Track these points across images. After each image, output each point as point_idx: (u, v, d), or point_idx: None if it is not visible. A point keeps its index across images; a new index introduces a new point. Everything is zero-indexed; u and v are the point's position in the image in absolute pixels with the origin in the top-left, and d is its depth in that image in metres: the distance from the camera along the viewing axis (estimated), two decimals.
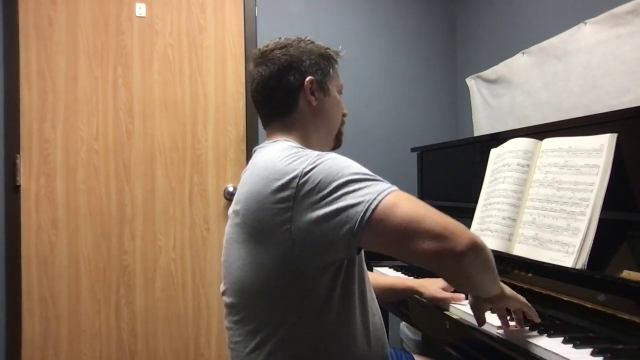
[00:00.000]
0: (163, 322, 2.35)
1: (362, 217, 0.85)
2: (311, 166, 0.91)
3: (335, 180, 0.88)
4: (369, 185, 0.88)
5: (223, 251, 1.10)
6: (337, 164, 0.91)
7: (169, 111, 2.38)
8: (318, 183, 0.89)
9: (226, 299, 1.07)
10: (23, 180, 2.21)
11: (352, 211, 0.86)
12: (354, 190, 0.87)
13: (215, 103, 2.43)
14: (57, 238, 2.24)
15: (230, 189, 2.40)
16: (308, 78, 1.10)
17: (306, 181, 0.90)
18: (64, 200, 2.25)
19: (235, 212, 1.03)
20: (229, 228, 1.08)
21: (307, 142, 1.11)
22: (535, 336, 1.01)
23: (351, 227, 0.86)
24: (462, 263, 0.85)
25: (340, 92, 1.19)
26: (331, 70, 1.15)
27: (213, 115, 2.43)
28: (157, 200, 2.35)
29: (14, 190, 2.19)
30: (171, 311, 2.36)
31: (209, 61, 2.43)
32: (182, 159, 2.39)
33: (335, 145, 1.22)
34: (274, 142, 1.08)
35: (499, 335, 1.08)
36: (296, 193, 0.90)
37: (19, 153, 2.20)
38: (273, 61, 1.10)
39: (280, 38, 1.15)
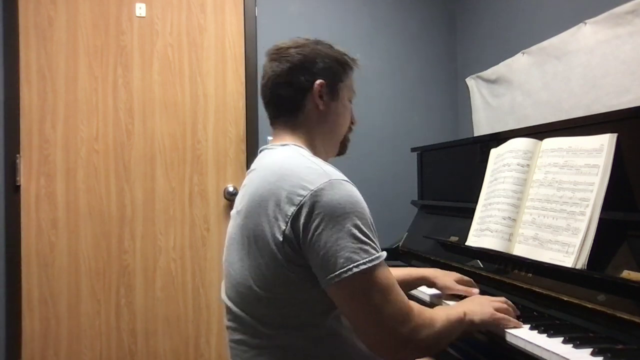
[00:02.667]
0: (163, 322, 2.35)
1: (332, 278, 0.88)
2: (321, 192, 0.90)
3: (333, 222, 0.89)
4: (354, 249, 0.88)
5: (225, 251, 1.10)
6: (343, 203, 0.90)
7: (169, 111, 2.38)
8: (318, 214, 0.89)
9: (226, 299, 1.07)
10: (23, 180, 2.21)
11: (329, 265, 0.89)
12: (340, 246, 0.88)
13: (215, 103, 2.43)
14: (57, 238, 2.24)
15: (230, 189, 2.40)
16: (318, 81, 1.08)
17: (309, 205, 0.90)
18: (64, 200, 2.25)
19: (238, 213, 1.04)
20: (231, 228, 1.08)
21: (312, 145, 1.10)
22: (535, 336, 1.02)
23: (322, 276, 0.90)
24: (407, 358, 0.95)
25: (350, 101, 1.18)
26: (344, 76, 1.14)
27: (213, 115, 2.43)
28: (157, 200, 2.35)
29: (14, 190, 2.19)
30: (171, 311, 2.36)
31: (209, 61, 2.43)
32: (182, 159, 2.39)
33: (340, 151, 1.21)
34: (283, 145, 1.08)
35: (499, 335, 1.08)
36: (297, 211, 0.90)
37: (19, 153, 2.20)
38: (286, 59, 1.08)
39: (299, 37, 1.13)
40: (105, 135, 2.31)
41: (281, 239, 0.91)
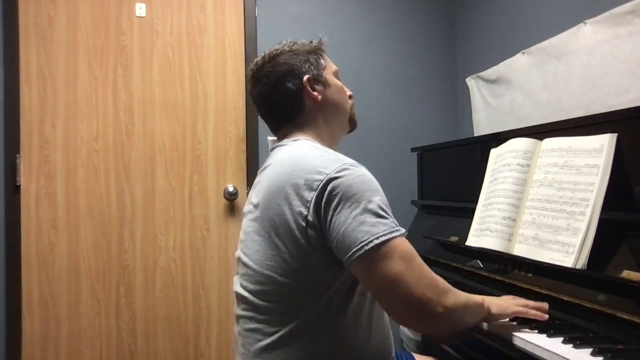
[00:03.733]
0: (163, 322, 2.35)
1: (354, 252, 0.90)
2: (337, 174, 0.95)
3: (351, 199, 0.93)
4: (373, 223, 0.91)
5: (240, 245, 1.13)
6: (358, 182, 0.94)
7: (169, 111, 2.38)
8: (337, 194, 0.93)
9: (241, 290, 1.08)
10: (23, 180, 2.21)
11: (349, 240, 0.91)
12: (359, 221, 0.91)
13: (215, 103, 2.43)
14: (57, 238, 2.24)
15: (230, 189, 2.40)
16: (305, 78, 1.14)
17: (327, 188, 0.94)
18: (64, 200, 2.25)
19: (255, 206, 1.07)
20: (246, 222, 1.11)
21: (322, 137, 1.16)
22: (535, 336, 1.02)
23: (344, 253, 0.92)
24: (435, 327, 0.95)
25: (337, 77, 1.22)
26: (322, 60, 1.19)
27: (213, 115, 2.43)
28: (157, 200, 2.35)
29: (14, 190, 2.19)
30: (171, 311, 2.36)
31: (209, 61, 2.43)
32: (182, 159, 2.39)
33: (351, 128, 1.26)
34: (295, 140, 1.12)
35: (498, 335, 1.08)
36: (316, 195, 0.94)
37: (19, 153, 2.20)
38: (267, 77, 1.14)
39: (264, 52, 1.19)
40: (105, 135, 2.31)
41: (304, 224, 0.95)
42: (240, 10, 2.46)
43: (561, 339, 0.98)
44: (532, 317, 1.08)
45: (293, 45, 1.18)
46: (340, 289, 0.99)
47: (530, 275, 1.26)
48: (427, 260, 1.77)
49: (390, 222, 0.94)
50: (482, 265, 1.46)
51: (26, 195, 2.21)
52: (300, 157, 1.02)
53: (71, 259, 2.26)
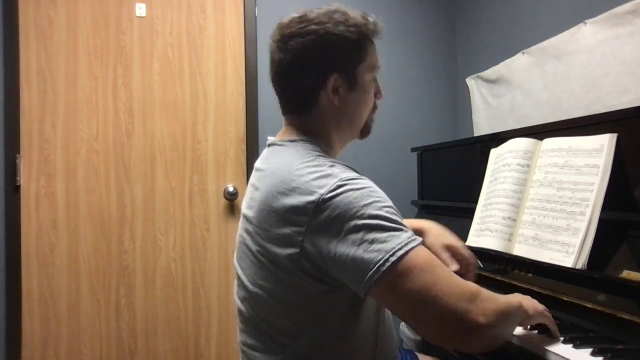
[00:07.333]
0: (163, 322, 2.35)
1: (371, 276, 0.79)
2: (331, 194, 0.83)
3: (353, 220, 0.81)
4: (385, 239, 0.80)
5: (236, 251, 1.06)
6: (358, 198, 0.83)
7: (169, 111, 2.38)
8: (335, 217, 0.82)
9: (238, 301, 1.03)
10: (23, 180, 2.21)
11: (362, 265, 0.80)
12: (368, 241, 0.80)
13: (215, 103, 2.43)
14: (57, 238, 2.24)
15: (230, 189, 2.40)
16: (332, 77, 0.96)
17: (323, 210, 0.83)
18: (64, 200, 2.25)
19: (247, 218, 0.99)
20: (242, 228, 1.03)
21: (327, 142, 1.02)
22: (534, 336, 1.01)
23: (359, 280, 0.81)
24: (476, 343, 0.81)
25: (373, 74, 1.03)
26: (365, 55, 0.99)
27: (213, 115, 2.43)
28: (157, 200, 2.35)
29: (14, 190, 2.19)
30: (171, 311, 2.36)
31: (209, 61, 2.43)
32: (182, 159, 2.39)
33: (363, 135, 1.10)
34: (292, 141, 0.99)
35: None
36: (310, 220, 0.84)
37: (19, 153, 2.20)
38: (292, 51, 0.95)
39: (304, 14, 0.97)
40: (105, 135, 2.31)
41: (298, 252, 0.85)
42: (240, 10, 2.46)
43: (561, 339, 0.98)
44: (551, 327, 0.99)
45: (340, 24, 0.95)
46: (337, 307, 0.91)
47: (530, 275, 1.26)
48: None
49: (402, 232, 0.82)
50: (482, 265, 1.46)
51: (26, 195, 2.21)
52: (292, 171, 0.89)
53: (71, 259, 2.26)
